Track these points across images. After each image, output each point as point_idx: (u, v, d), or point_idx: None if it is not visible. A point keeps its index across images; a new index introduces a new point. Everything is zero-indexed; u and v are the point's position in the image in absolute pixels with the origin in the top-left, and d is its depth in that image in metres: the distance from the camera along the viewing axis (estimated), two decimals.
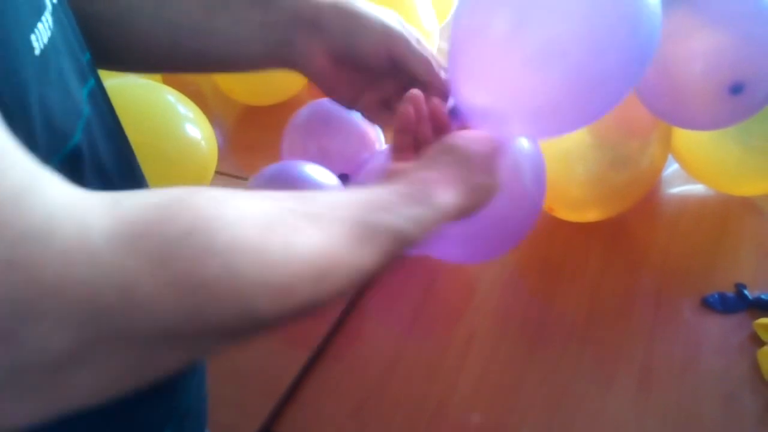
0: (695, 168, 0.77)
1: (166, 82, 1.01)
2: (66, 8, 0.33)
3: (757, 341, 0.61)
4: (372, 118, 0.50)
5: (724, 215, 0.78)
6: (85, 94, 0.33)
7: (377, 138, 0.80)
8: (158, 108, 0.82)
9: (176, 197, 0.24)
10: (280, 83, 1.09)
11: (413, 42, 0.45)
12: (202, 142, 0.81)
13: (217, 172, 0.87)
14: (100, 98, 0.36)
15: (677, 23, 0.61)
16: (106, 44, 0.42)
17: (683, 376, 0.60)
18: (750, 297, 0.65)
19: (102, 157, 0.33)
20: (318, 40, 0.45)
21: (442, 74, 0.47)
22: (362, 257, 0.30)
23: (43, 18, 0.29)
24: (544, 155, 0.75)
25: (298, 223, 0.27)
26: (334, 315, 0.69)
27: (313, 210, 0.29)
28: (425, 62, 0.46)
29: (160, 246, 0.21)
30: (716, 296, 0.67)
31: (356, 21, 0.45)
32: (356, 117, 0.78)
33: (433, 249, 0.59)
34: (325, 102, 0.80)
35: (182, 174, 0.82)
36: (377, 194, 0.34)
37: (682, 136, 0.74)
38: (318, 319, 0.68)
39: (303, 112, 0.82)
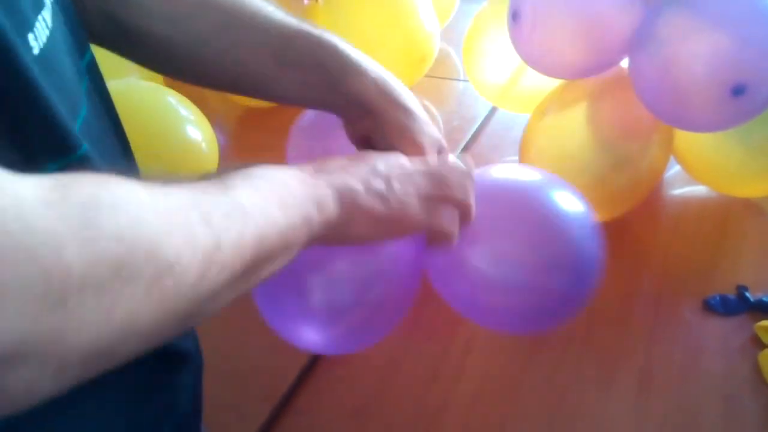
0: (697, 170, 0.77)
1: (168, 82, 1.02)
2: (66, 6, 0.33)
3: (759, 344, 0.61)
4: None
5: (726, 217, 0.78)
6: (83, 91, 0.34)
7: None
8: (159, 110, 0.82)
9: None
10: None
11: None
12: (203, 144, 0.81)
13: None
14: (98, 97, 0.36)
15: (678, 24, 0.61)
16: (172, 64, 0.46)
17: (683, 379, 0.59)
18: (751, 299, 0.65)
19: (97, 157, 0.33)
20: (363, 129, 0.48)
21: None
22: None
23: (40, 17, 0.29)
24: (544, 156, 0.75)
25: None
26: None
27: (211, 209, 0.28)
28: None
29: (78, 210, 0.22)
30: (717, 298, 0.66)
31: (398, 141, 0.46)
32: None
33: (487, 322, 0.55)
34: None
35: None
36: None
37: (684, 138, 0.74)
38: None
39: (309, 113, 0.81)
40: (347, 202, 0.35)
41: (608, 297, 0.69)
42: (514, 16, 0.70)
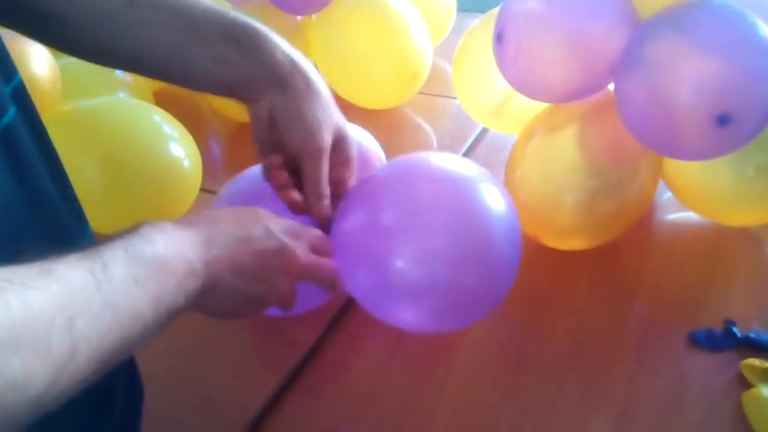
0: (687, 197, 0.75)
1: (160, 99, 1.01)
2: None
3: (744, 383, 0.58)
4: (269, 175, 0.53)
5: (719, 245, 0.76)
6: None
7: (379, 158, 0.78)
8: (144, 127, 0.82)
9: None
10: None
11: (322, 165, 0.51)
12: (185, 161, 0.81)
13: (204, 190, 0.86)
14: (20, 134, 0.35)
15: (666, 49, 0.59)
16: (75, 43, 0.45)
17: (664, 419, 0.57)
18: (738, 335, 0.62)
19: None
20: (270, 104, 0.50)
21: (323, 208, 0.52)
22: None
23: None
24: (530, 180, 0.73)
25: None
26: (308, 340, 0.68)
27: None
28: (315, 188, 0.51)
29: None
30: (703, 332, 0.64)
31: (299, 115, 0.50)
32: (359, 139, 0.76)
33: (397, 318, 0.53)
34: None
35: (166, 191, 0.82)
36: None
37: (673, 163, 0.72)
38: (291, 346, 0.67)
39: None
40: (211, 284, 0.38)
41: (593, 327, 0.67)
42: (499, 38, 0.68)
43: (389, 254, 0.46)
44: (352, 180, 0.55)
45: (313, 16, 1.05)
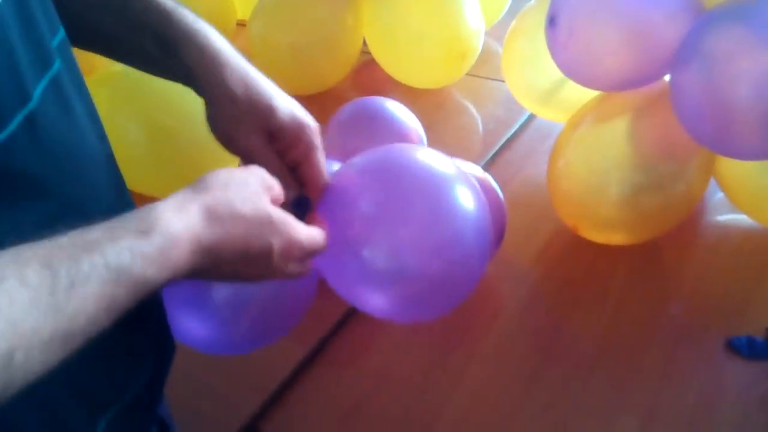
0: (739, 197, 0.72)
1: None
2: None
3: None
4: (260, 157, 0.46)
5: (767, 251, 0.72)
6: (42, 86, 0.33)
7: (420, 138, 0.77)
8: (188, 92, 0.82)
9: None
10: (322, 72, 1.08)
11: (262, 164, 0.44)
12: None
13: None
14: (65, 88, 0.35)
15: (727, 42, 0.56)
16: None
17: (693, 424, 0.55)
18: None
19: (42, 152, 0.33)
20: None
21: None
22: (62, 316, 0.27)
23: None
24: (574, 170, 0.71)
25: None
26: (335, 316, 0.68)
27: None
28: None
29: None
30: (744, 339, 0.61)
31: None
32: (401, 117, 0.75)
33: (361, 304, 0.51)
34: (370, 100, 0.78)
35: (209, 155, 0.82)
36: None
37: (727, 162, 0.69)
38: (318, 319, 0.67)
39: (346, 108, 0.80)
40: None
41: (625, 325, 0.66)
42: (551, 21, 0.66)
43: (362, 242, 0.46)
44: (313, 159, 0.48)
45: None
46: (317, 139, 0.47)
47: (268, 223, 0.38)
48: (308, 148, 0.47)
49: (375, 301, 0.49)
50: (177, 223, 0.32)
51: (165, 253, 0.31)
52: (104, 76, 0.79)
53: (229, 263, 0.36)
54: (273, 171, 0.42)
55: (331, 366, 0.64)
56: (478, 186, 0.50)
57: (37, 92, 0.33)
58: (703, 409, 0.57)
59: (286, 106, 0.46)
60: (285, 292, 0.54)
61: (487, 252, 0.50)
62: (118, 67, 0.82)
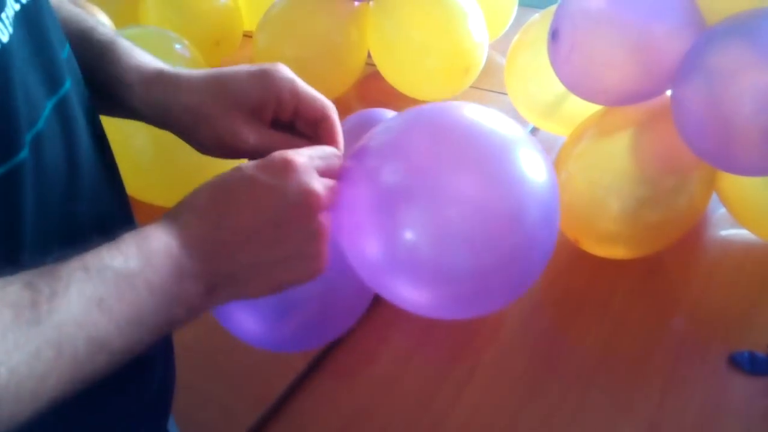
0: (740, 212, 0.72)
1: None
2: (43, 10, 0.33)
3: None
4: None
5: None
6: (50, 106, 0.33)
7: None
8: None
9: None
10: (326, 84, 1.09)
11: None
12: None
13: None
14: (72, 109, 0.35)
15: (729, 57, 0.57)
16: None
17: None
18: None
19: (48, 174, 0.32)
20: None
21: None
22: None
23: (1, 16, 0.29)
24: (575, 183, 0.71)
25: None
26: None
27: None
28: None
29: None
30: (746, 355, 0.61)
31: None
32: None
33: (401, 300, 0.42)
34: (374, 111, 0.79)
35: (215, 162, 0.83)
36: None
37: (729, 178, 0.69)
38: None
39: (351, 119, 0.80)
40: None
41: (626, 339, 0.66)
42: (554, 35, 0.66)
43: (398, 225, 0.36)
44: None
45: (371, 2, 1.05)
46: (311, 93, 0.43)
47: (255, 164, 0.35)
48: (298, 101, 0.43)
49: (409, 294, 0.40)
50: (150, 225, 0.32)
51: (140, 243, 0.30)
52: None
53: (238, 224, 0.33)
54: (286, 147, 0.37)
55: (332, 377, 0.64)
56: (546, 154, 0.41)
57: (45, 113, 0.33)
58: (705, 425, 0.56)
59: (256, 74, 0.42)
60: (337, 292, 0.47)
61: (556, 232, 0.41)
62: None
